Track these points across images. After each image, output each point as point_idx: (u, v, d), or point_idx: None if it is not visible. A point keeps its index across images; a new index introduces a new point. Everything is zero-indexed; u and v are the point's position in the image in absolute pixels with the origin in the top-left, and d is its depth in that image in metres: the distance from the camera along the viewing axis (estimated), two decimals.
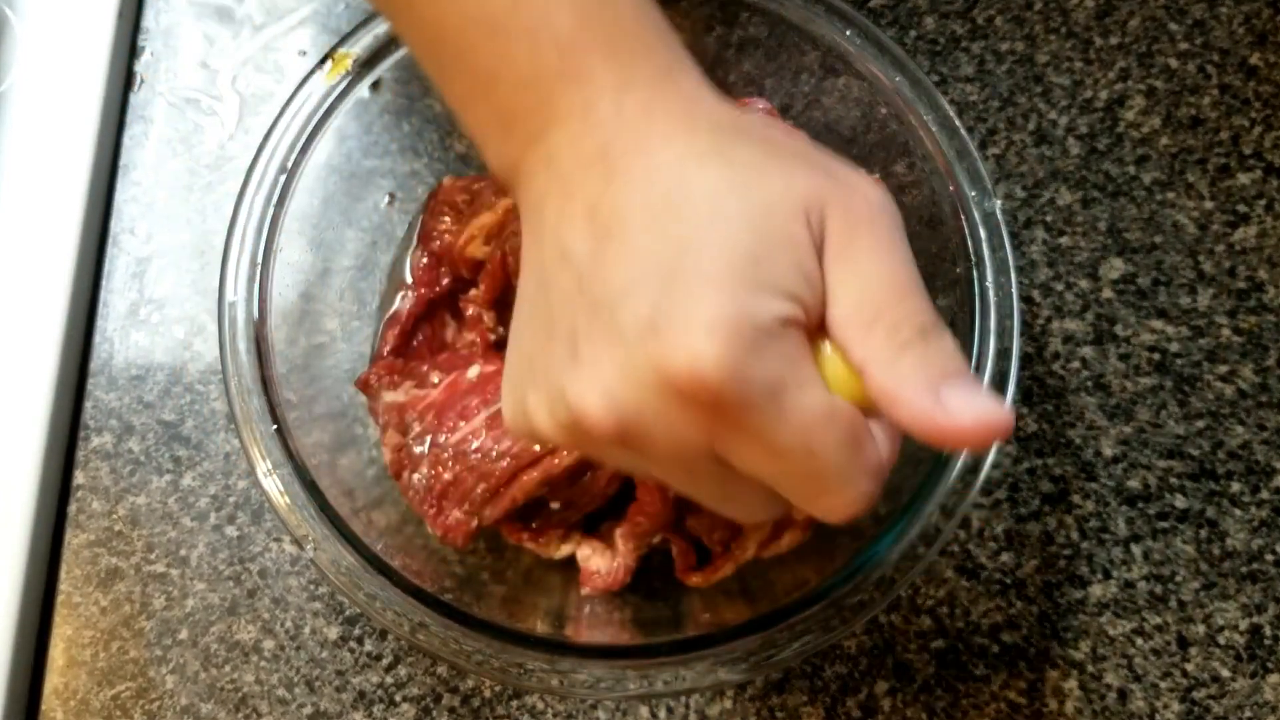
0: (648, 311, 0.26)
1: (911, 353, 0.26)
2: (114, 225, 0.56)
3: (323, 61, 0.45)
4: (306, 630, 0.49)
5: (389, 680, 0.48)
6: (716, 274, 0.26)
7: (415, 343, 0.49)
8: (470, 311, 0.48)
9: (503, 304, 0.48)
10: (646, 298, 0.26)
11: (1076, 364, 0.53)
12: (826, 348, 0.28)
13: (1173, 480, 0.51)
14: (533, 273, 0.31)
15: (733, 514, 0.31)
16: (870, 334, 0.27)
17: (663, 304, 0.26)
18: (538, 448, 0.41)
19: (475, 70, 0.31)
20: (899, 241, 0.28)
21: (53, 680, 0.49)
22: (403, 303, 0.49)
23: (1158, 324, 0.53)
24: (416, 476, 0.42)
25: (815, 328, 0.28)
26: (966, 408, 0.26)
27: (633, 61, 0.29)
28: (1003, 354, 0.41)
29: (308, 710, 0.48)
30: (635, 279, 0.26)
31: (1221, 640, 0.48)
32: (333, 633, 0.49)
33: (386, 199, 0.51)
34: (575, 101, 0.29)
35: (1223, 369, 0.52)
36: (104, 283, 0.55)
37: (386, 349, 0.48)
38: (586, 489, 0.43)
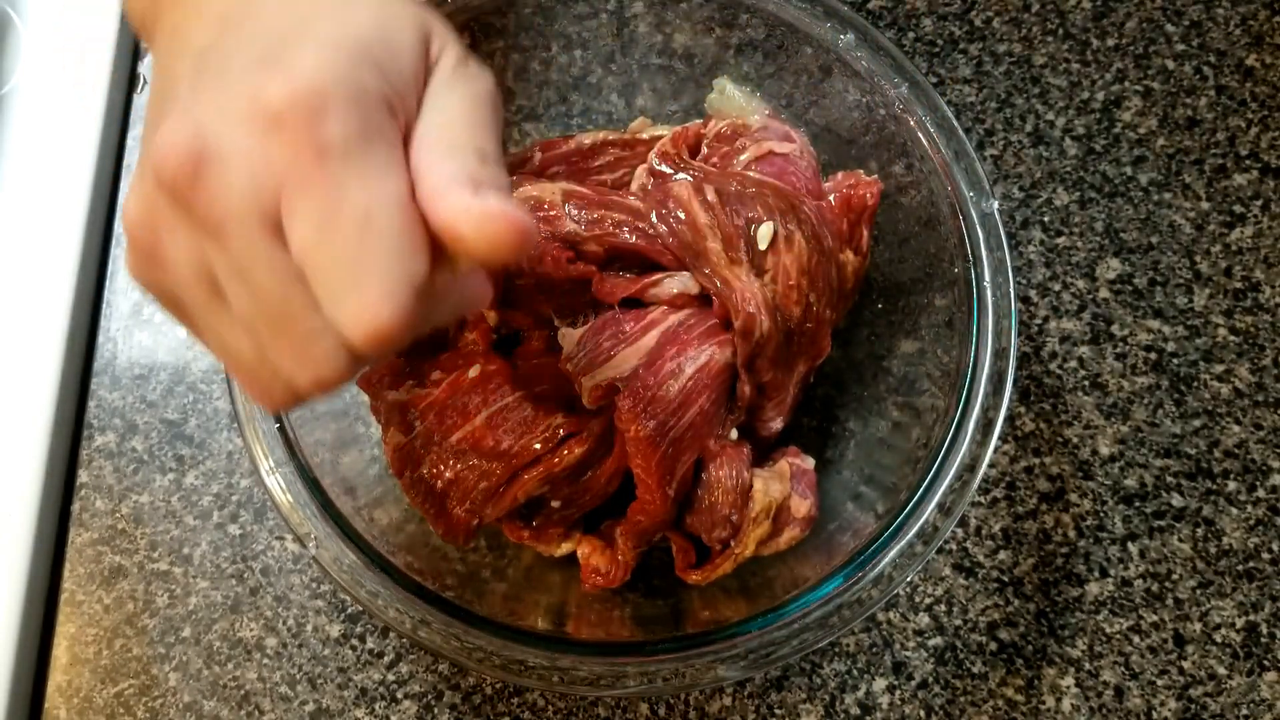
0: (257, 57, 0.26)
1: (462, 158, 0.27)
2: (118, 225, 0.56)
3: None
4: (309, 628, 0.49)
5: (391, 677, 0.48)
6: (335, 39, 0.26)
7: (417, 341, 0.49)
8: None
9: (503, 303, 0.48)
10: (260, 49, 0.26)
11: (1073, 363, 0.53)
12: None
13: (1169, 479, 0.51)
14: (152, 95, 0.29)
15: (288, 355, 0.28)
16: (441, 141, 0.27)
17: (276, 52, 0.26)
18: (538, 446, 0.42)
19: None
20: (494, 111, 0.29)
21: (56, 678, 0.49)
22: None
23: (1154, 324, 0.53)
24: (418, 475, 0.43)
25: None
26: (494, 201, 0.26)
27: None
28: (1000, 354, 0.42)
29: (310, 707, 0.48)
30: (251, 39, 0.27)
31: (1218, 638, 0.49)
32: (335, 630, 0.49)
33: None
34: None
35: (1219, 368, 0.53)
36: (107, 283, 0.55)
37: None
38: (587, 487, 0.43)
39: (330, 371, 0.27)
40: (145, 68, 0.59)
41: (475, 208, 0.26)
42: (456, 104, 0.28)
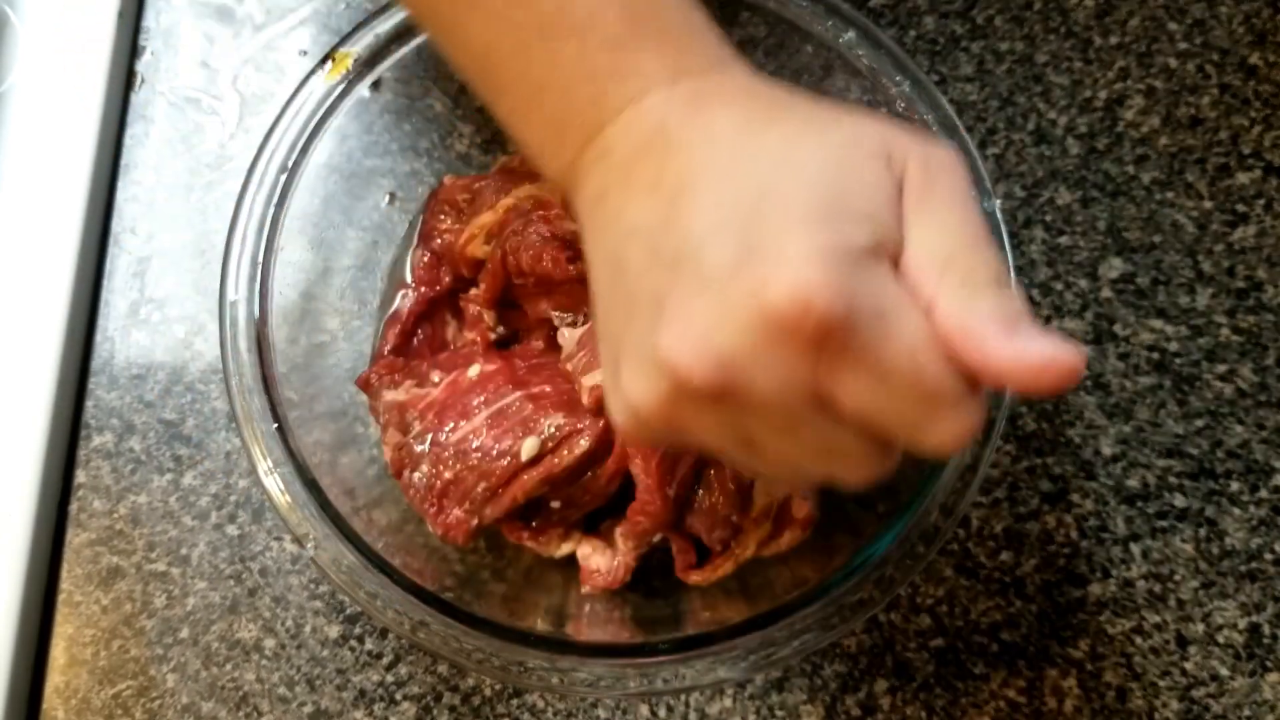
0: (734, 250, 0.25)
1: (986, 295, 0.26)
2: (115, 224, 0.56)
3: (323, 61, 0.45)
4: (307, 629, 0.49)
5: (390, 679, 0.48)
6: (803, 206, 0.25)
7: (416, 341, 0.49)
8: (471, 310, 0.48)
9: (503, 303, 0.48)
10: (731, 238, 0.25)
11: None
12: None
13: (1172, 479, 0.51)
14: (603, 269, 0.29)
15: (838, 473, 0.29)
16: (945, 276, 0.26)
17: (751, 239, 0.25)
18: (538, 446, 0.41)
19: (526, 80, 0.30)
20: (970, 195, 0.28)
21: (54, 679, 0.49)
22: (403, 302, 0.49)
23: (1157, 323, 0.53)
24: (417, 475, 0.43)
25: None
26: (1040, 344, 0.25)
27: (682, 56, 0.29)
28: None
29: (308, 709, 0.48)
30: (715, 224, 0.26)
31: (1220, 639, 0.48)
32: (333, 631, 0.49)
33: (387, 198, 0.51)
34: (627, 95, 0.29)
35: (1222, 368, 0.52)
36: (105, 282, 0.55)
37: (387, 348, 0.48)
38: (587, 488, 0.43)
39: (883, 472, 0.29)
40: (143, 66, 0.59)
41: (1028, 357, 0.25)
42: (943, 216, 0.27)
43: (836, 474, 0.29)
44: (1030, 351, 0.25)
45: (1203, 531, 0.50)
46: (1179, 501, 0.51)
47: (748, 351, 0.25)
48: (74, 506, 0.51)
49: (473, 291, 0.48)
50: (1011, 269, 0.42)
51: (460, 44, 0.32)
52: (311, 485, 0.41)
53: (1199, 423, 0.52)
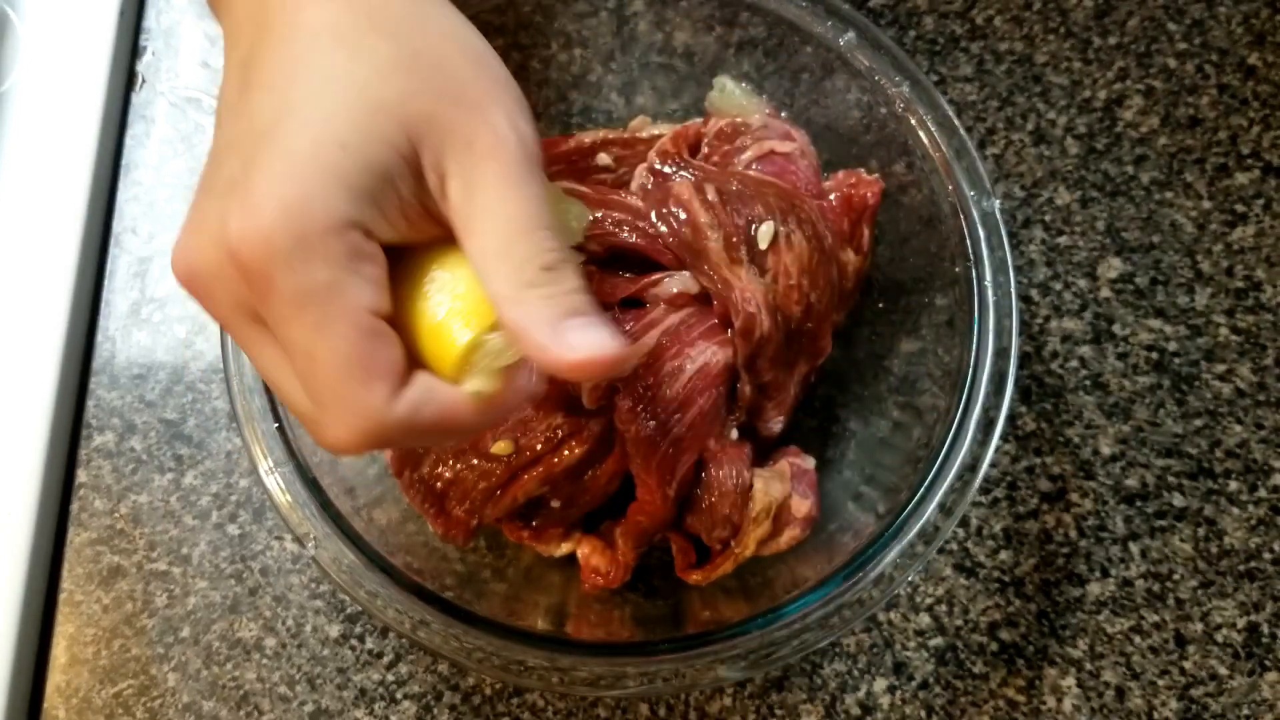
0: (235, 169, 0.27)
1: (537, 290, 0.28)
2: (116, 225, 0.56)
3: None
4: (308, 628, 0.49)
5: (390, 678, 0.48)
6: (301, 151, 0.26)
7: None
8: None
9: None
10: (240, 155, 0.27)
11: (1075, 363, 0.53)
12: (460, 276, 0.29)
13: (1171, 479, 0.51)
14: (217, 113, 0.31)
15: (279, 394, 0.30)
16: (500, 269, 0.28)
17: (248, 165, 0.27)
18: (538, 445, 0.41)
19: None
20: (525, 176, 0.29)
21: (55, 678, 0.49)
22: None
23: (1156, 323, 0.53)
24: (418, 475, 0.43)
25: (420, 244, 0.29)
26: (581, 343, 0.27)
27: None
28: (1001, 353, 0.42)
29: (309, 708, 0.48)
30: (241, 134, 0.28)
31: (1219, 638, 0.49)
32: (334, 630, 0.49)
33: None
34: None
35: (1220, 368, 0.53)
36: (106, 282, 0.55)
37: None
38: (587, 487, 0.43)
39: (338, 442, 0.29)
40: (143, 66, 0.59)
41: (570, 355, 0.27)
42: (494, 207, 0.28)
43: (280, 394, 0.30)
44: (569, 350, 0.27)
45: (1201, 531, 0.50)
46: (1178, 501, 0.51)
47: (206, 264, 0.28)
48: (75, 506, 0.51)
49: None
50: (1011, 269, 0.43)
51: None
52: (312, 485, 0.41)
53: (1198, 422, 0.52)
